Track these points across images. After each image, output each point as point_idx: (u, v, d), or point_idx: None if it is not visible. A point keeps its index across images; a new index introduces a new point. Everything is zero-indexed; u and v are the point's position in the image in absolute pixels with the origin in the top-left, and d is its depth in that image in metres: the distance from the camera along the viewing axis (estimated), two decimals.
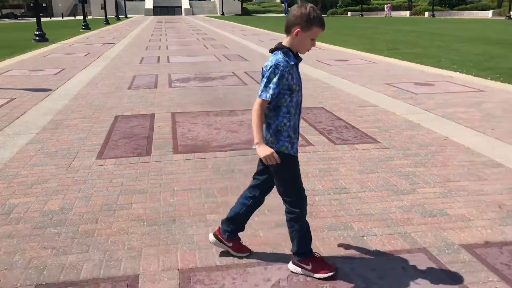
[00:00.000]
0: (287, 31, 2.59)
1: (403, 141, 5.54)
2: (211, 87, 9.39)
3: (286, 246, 3.09)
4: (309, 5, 2.58)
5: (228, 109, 7.31)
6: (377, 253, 3.01)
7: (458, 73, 10.76)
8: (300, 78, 2.69)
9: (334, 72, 11.13)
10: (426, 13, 55.52)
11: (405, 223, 3.44)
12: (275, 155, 2.56)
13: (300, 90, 2.68)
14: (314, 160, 4.87)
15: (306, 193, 3.95)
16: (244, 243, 3.05)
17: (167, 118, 6.75)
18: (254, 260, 2.93)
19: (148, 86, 9.58)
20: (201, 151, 5.19)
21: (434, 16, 52.30)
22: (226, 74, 11.29)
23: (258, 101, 2.58)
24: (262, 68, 2.63)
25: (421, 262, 2.90)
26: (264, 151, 2.56)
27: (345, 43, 19.13)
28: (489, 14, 49.78)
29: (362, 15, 63.90)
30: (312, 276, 2.72)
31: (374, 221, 3.47)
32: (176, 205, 3.78)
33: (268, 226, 3.40)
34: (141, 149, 5.31)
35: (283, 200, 2.77)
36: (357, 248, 3.08)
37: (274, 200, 3.85)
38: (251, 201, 2.92)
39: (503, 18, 41.47)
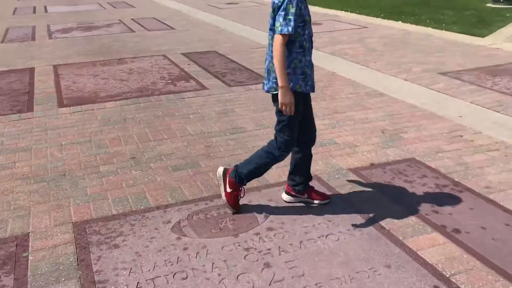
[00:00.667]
0: None
1: None
2: (97, 36, 8.80)
3: (185, 188, 3.08)
4: None
5: (116, 58, 6.93)
6: (273, 185, 3.11)
7: (343, 11, 11.15)
8: (309, 9, 2.52)
9: (226, 16, 10.97)
10: None
11: None
12: (293, 107, 2.43)
13: (310, 21, 2.51)
14: (210, 103, 4.84)
15: (203, 135, 3.98)
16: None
17: (49, 71, 6.24)
18: (153, 205, 2.88)
19: (24, 39, 8.73)
20: (89, 102, 4.90)
21: None
22: (112, 22, 10.63)
23: (279, 38, 2.35)
24: (273, 1, 2.43)
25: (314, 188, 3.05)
26: (287, 96, 2.39)
27: None
28: None
29: None
30: (223, 192, 2.73)
31: None
32: (65, 159, 3.57)
33: (165, 170, 3.35)
34: (21, 105, 4.88)
35: (275, 136, 2.66)
36: (255, 182, 3.15)
37: (170, 145, 3.80)
38: (304, 146, 2.79)
39: None
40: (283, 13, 2.34)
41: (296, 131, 2.62)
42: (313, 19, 9.11)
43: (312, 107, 4.65)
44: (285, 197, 2.90)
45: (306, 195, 2.85)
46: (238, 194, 2.75)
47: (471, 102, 4.64)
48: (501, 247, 2.40)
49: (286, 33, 2.33)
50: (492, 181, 3.10)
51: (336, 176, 3.22)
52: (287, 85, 2.38)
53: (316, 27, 9.15)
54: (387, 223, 2.64)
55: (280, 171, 3.31)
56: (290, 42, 2.41)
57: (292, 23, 2.33)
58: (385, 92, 5.07)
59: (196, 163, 3.45)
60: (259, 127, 4.16)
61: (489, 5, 10.99)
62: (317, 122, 4.20)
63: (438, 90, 5.06)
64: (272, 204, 2.87)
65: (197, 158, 3.54)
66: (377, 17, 10.20)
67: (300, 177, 2.80)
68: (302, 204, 2.86)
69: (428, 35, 8.07)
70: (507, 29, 8.29)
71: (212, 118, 4.42)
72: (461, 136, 3.85)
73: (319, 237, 2.52)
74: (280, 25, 2.34)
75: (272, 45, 2.45)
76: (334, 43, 7.61)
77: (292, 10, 2.33)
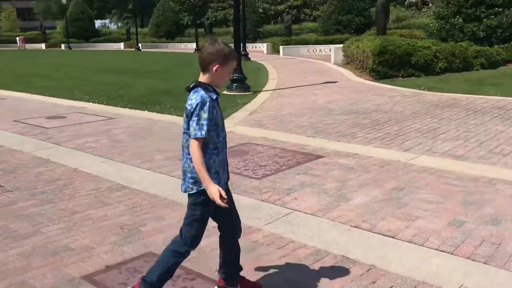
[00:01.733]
0: (205, 69, 2.62)
1: (30, 180, 5.23)
2: None
3: None
4: (220, 40, 2.65)
5: None
6: None
7: (91, 103, 11.06)
8: (222, 113, 2.71)
9: None
10: (63, 45, 55.23)
11: (25, 270, 3.20)
12: (220, 196, 2.49)
13: (223, 125, 2.70)
14: None
15: None
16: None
17: None
18: None
19: None
20: None
21: (71, 48, 52.60)
22: None
23: (194, 142, 2.54)
24: (186, 107, 2.60)
25: None
26: (216, 192, 2.48)
27: None
28: (121, 46, 53.71)
29: None
30: None
31: None
32: None
33: None
34: None
35: (180, 231, 2.73)
36: None
37: None
38: (229, 239, 2.90)
39: (133, 49, 45.46)
40: (196, 118, 2.53)
41: (204, 228, 2.74)
42: (57, 111, 8.79)
43: (45, 211, 4.34)
44: None
45: (239, 286, 2.92)
46: None
47: None
48: None
49: (200, 136, 2.53)
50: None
51: None
52: (210, 182, 2.52)
53: (60, 120, 8.81)
54: None
55: None
56: (204, 144, 2.58)
57: (205, 127, 2.52)
58: (127, 184, 5.06)
59: None
60: None
61: (224, 92, 12.42)
62: (52, 227, 3.93)
63: (178, 177, 5.30)
64: None
65: None
66: (124, 107, 10.41)
67: (231, 269, 2.90)
68: None
69: (172, 123, 8.56)
70: (238, 113, 9.43)
71: None
72: None
73: None
74: (194, 130, 2.53)
75: (186, 147, 2.62)
76: (77, 137, 7.39)
77: (205, 115, 2.53)
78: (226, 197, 2.50)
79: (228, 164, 2.82)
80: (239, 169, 5.57)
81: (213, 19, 58.02)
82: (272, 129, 7.83)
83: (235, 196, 4.67)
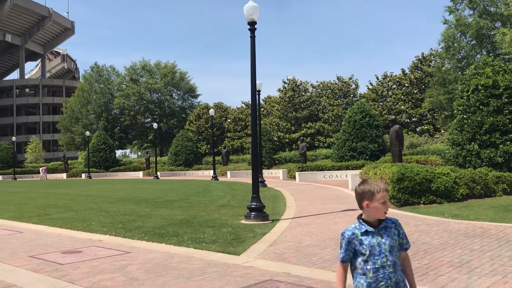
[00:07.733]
0: (360, 207, 3.10)
1: None
2: None
3: None
4: (368, 181, 3.10)
5: None
6: None
7: (108, 235, 10.87)
8: (377, 244, 3.02)
9: None
10: (83, 175, 56.89)
11: None
12: None
13: (379, 255, 2.99)
14: None
15: None
16: None
17: None
18: None
19: None
20: None
21: (91, 178, 54.06)
22: None
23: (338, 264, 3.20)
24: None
25: None
26: None
27: None
28: (140, 174, 55.10)
29: (15, 178, 60.26)
30: None
31: None
32: None
33: None
34: None
35: None
36: None
37: None
38: None
39: (151, 177, 46.47)
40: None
41: None
42: (73, 245, 8.53)
43: None
44: None
45: None
46: None
47: None
48: None
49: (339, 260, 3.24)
50: None
51: None
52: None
53: (75, 255, 8.57)
54: None
55: None
56: (354, 268, 3.14)
57: (340, 255, 3.21)
58: None
59: None
60: None
61: (242, 221, 12.21)
62: None
63: None
64: None
65: None
66: (141, 239, 10.18)
67: None
68: None
69: (190, 257, 8.25)
70: (258, 245, 9.11)
71: None
72: None
73: None
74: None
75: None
76: (92, 274, 7.08)
77: (343, 245, 3.17)
78: None
79: None
80: None
81: (230, 147, 60.11)
82: (294, 263, 7.45)
83: None
